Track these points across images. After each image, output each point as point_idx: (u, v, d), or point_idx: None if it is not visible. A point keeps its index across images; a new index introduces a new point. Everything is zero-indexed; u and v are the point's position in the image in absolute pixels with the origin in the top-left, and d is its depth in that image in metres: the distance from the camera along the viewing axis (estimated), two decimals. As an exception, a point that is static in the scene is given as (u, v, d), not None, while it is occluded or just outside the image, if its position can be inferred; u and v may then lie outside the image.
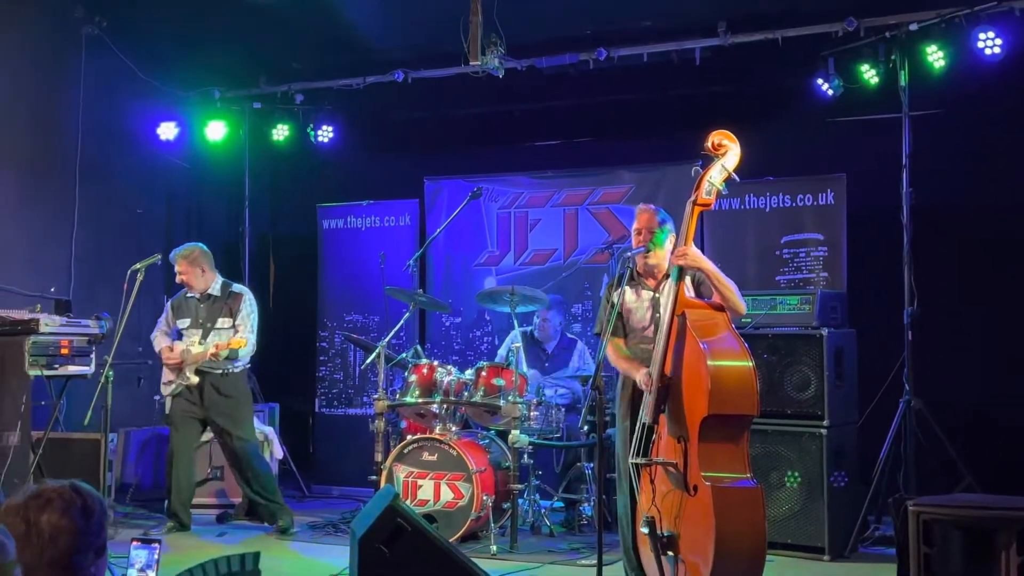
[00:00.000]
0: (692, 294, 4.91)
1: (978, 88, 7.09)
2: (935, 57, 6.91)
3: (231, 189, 9.66)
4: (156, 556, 4.27)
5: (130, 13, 8.37)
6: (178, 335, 7.14)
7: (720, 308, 4.80)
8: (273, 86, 9.01)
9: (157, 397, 8.98)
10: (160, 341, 7.16)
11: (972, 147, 7.43)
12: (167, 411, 7.14)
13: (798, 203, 7.67)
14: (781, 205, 7.73)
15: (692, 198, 4.76)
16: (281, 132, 9.10)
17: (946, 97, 7.15)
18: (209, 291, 7.08)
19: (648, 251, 5.10)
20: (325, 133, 9.00)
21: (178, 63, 8.81)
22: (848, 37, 7.18)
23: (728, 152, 4.74)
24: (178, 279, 7.09)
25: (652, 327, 5.04)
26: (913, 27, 6.91)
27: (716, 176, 4.73)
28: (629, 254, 5.17)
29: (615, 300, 5.00)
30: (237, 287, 7.22)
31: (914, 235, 6.89)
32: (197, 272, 7.05)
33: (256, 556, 2.33)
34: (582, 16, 7.95)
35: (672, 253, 4.88)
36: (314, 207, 9.50)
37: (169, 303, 7.30)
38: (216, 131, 9.03)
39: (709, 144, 4.77)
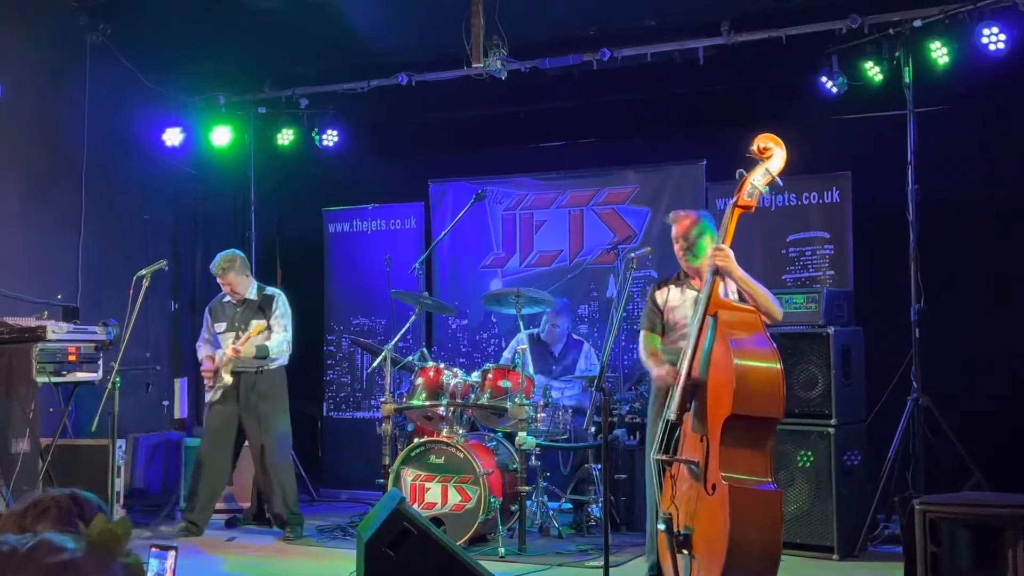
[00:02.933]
0: (735, 297, 4.94)
1: (983, 84, 7.06)
2: (939, 53, 6.88)
3: (237, 194, 9.68)
4: (167, 564, 4.27)
5: (134, 20, 8.38)
6: (219, 341, 7.18)
7: (756, 310, 4.81)
8: (278, 91, 9.02)
9: (165, 403, 9.03)
10: (202, 350, 7.27)
11: (977, 143, 7.40)
12: (206, 417, 7.22)
13: (803, 201, 7.66)
14: (787, 204, 7.72)
15: (734, 200, 4.76)
16: (286, 137, 9.10)
17: (951, 93, 7.13)
18: (245, 295, 7.13)
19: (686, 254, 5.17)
20: (330, 137, 9.00)
21: (182, 69, 8.82)
22: (852, 34, 7.15)
23: (773, 156, 4.74)
24: (226, 288, 7.14)
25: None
26: (917, 23, 6.89)
27: (759, 179, 4.73)
28: (634, 254, 5.24)
29: (657, 298, 5.23)
30: (270, 289, 7.30)
31: (920, 232, 6.86)
32: (243, 280, 7.13)
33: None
34: (585, 17, 7.94)
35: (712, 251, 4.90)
36: (320, 211, 9.52)
37: (207, 309, 7.38)
38: (221, 136, 9.04)
39: (755, 148, 4.77)
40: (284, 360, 7.19)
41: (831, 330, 6.23)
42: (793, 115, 7.78)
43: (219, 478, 7.17)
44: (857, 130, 7.58)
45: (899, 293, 6.96)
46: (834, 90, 7.28)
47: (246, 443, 7.23)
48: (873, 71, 7.12)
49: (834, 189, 7.54)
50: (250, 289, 7.19)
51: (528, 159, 9.16)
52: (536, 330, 7.80)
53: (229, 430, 7.08)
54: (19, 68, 7.72)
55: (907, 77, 6.98)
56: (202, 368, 7.18)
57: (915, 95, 6.97)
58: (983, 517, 4.19)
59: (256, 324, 6.96)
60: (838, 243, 7.51)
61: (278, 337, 7.05)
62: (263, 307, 7.13)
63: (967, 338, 7.35)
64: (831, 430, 6.16)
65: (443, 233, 8.22)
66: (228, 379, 6.97)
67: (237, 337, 7.01)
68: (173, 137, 8.87)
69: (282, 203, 10.18)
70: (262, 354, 6.96)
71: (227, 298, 7.21)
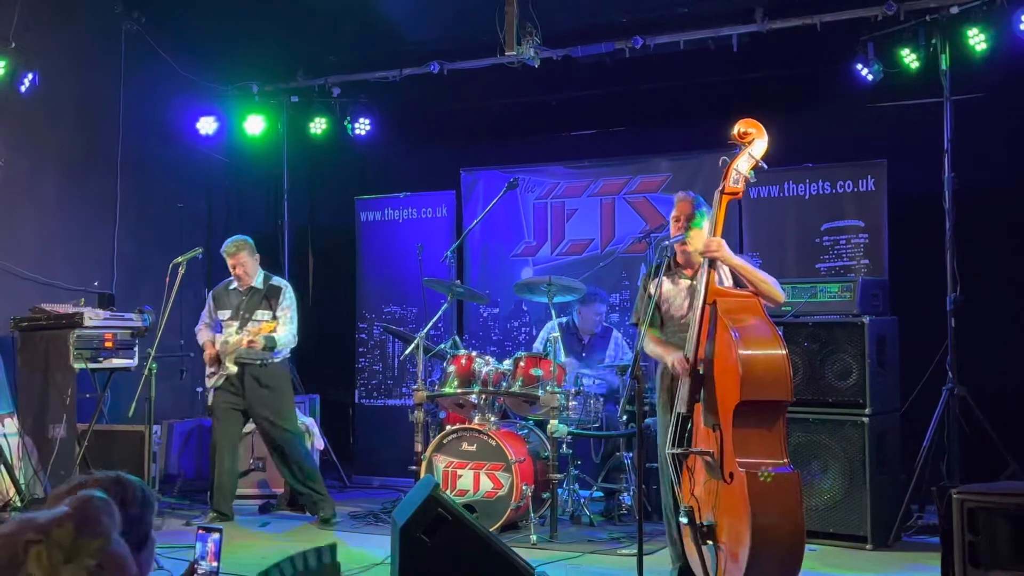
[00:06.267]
0: (730, 283, 4.92)
1: (1021, 71, 6.98)
2: (976, 40, 6.80)
3: (270, 183, 9.75)
4: (209, 546, 4.31)
5: (168, 9, 8.46)
6: (220, 327, 7.20)
7: (755, 295, 4.80)
8: (310, 79, 9.06)
9: (199, 389, 9.09)
10: (203, 335, 7.24)
11: (1015, 131, 7.31)
12: (210, 403, 7.22)
13: (838, 190, 7.60)
14: (821, 192, 7.66)
15: (720, 187, 4.76)
16: (319, 125, 9.14)
17: (988, 80, 7.05)
18: (252, 283, 7.15)
19: (685, 240, 5.11)
20: (362, 126, 9.03)
21: (216, 58, 8.88)
22: (888, 21, 7.08)
23: (754, 140, 4.73)
24: (235, 271, 7.13)
25: (689, 315, 5.04)
26: (954, 10, 6.81)
27: (743, 165, 4.72)
28: (667, 243, 5.22)
29: (652, 290, 5.06)
30: (277, 280, 7.29)
31: (956, 220, 6.80)
32: (252, 263, 7.15)
33: (333, 548, 2.30)
34: (617, 4, 7.92)
35: (704, 244, 4.88)
36: (352, 199, 9.55)
37: (210, 294, 7.37)
38: (255, 125, 9.10)
39: (735, 133, 4.78)
40: (287, 352, 7.22)
41: (866, 319, 6.18)
42: (828, 103, 7.75)
43: (234, 463, 7.22)
44: (892, 118, 7.51)
45: (935, 282, 6.90)
46: (869, 77, 7.22)
47: (247, 427, 7.28)
48: (909, 58, 7.05)
49: (869, 177, 7.47)
50: (257, 277, 7.20)
51: (560, 147, 9.15)
52: (566, 318, 7.79)
53: (235, 417, 7.12)
54: (54, 57, 7.79)
55: (944, 64, 6.91)
56: (204, 352, 7.19)
57: (952, 82, 6.90)
58: (1022, 507, 4.16)
59: (266, 322, 6.96)
60: (873, 232, 7.44)
61: (285, 330, 7.05)
62: (269, 297, 7.12)
63: (1003, 328, 7.29)
64: (865, 419, 6.11)
65: (475, 221, 8.22)
66: (232, 368, 6.99)
67: (241, 325, 7.04)
68: (207, 126, 8.94)
69: (315, 192, 10.23)
70: (270, 345, 6.98)
71: (233, 285, 7.20)
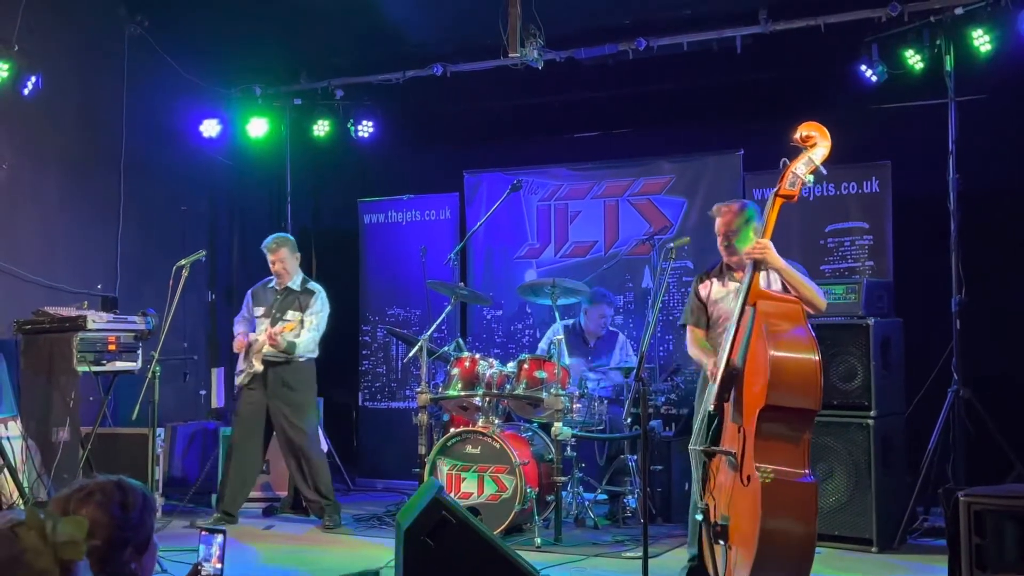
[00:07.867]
0: (779, 287, 4.88)
1: (1026, 72, 6.97)
2: (981, 41, 6.78)
3: (273, 185, 9.73)
4: (213, 549, 4.29)
5: (172, 12, 8.44)
6: (254, 325, 7.24)
7: (798, 300, 4.76)
8: (313, 82, 9.05)
9: (202, 392, 9.10)
10: (238, 326, 7.32)
11: (1020, 132, 7.29)
12: (237, 404, 7.29)
13: (842, 191, 7.59)
14: (825, 193, 7.65)
15: (775, 189, 4.70)
16: (322, 128, 9.13)
17: (992, 82, 7.03)
18: (289, 283, 7.16)
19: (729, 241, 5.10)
20: (365, 128, 9.02)
21: (219, 61, 8.88)
22: (892, 22, 7.06)
23: (816, 144, 4.68)
24: (275, 268, 7.18)
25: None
26: (959, 11, 6.80)
27: (801, 168, 4.66)
28: (672, 244, 5.21)
29: (700, 291, 5.18)
30: (313, 284, 7.34)
31: (961, 222, 6.78)
32: (292, 261, 7.21)
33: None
34: (621, 6, 7.91)
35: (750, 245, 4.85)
36: (355, 202, 9.55)
37: (250, 292, 7.44)
38: (258, 128, 9.09)
39: (797, 136, 4.70)
40: (313, 355, 7.22)
41: (871, 321, 6.17)
42: (832, 104, 7.71)
43: (251, 466, 7.21)
44: (897, 119, 7.50)
45: (939, 284, 6.89)
46: (873, 79, 7.21)
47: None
48: (914, 59, 7.04)
49: (873, 179, 7.46)
50: (296, 278, 7.24)
51: (563, 149, 9.14)
52: (572, 320, 7.78)
53: (259, 418, 7.13)
54: (58, 60, 7.78)
55: (948, 65, 6.90)
56: (235, 340, 7.22)
57: (956, 83, 6.89)
58: (1029, 509, 4.14)
59: (293, 320, 6.98)
60: (877, 233, 7.43)
61: (307, 336, 7.07)
62: (302, 300, 7.16)
63: (1008, 329, 7.26)
64: (870, 422, 6.10)
65: (478, 224, 8.21)
66: (258, 366, 7.03)
67: (273, 324, 7.04)
68: (210, 128, 8.93)
69: (318, 194, 10.22)
70: (289, 350, 6.99)
71: (271, 284, 7.27)
